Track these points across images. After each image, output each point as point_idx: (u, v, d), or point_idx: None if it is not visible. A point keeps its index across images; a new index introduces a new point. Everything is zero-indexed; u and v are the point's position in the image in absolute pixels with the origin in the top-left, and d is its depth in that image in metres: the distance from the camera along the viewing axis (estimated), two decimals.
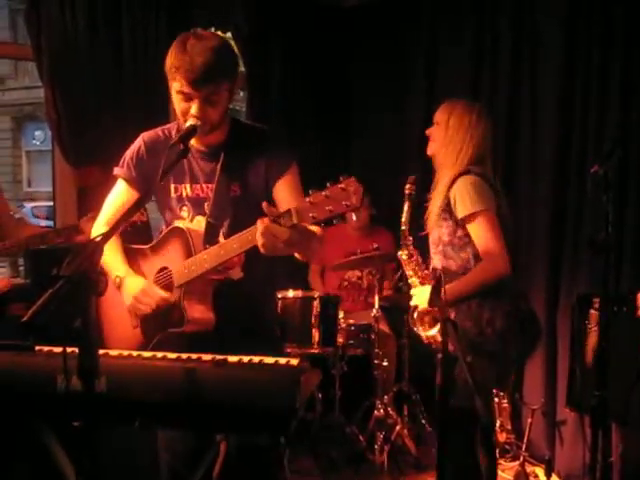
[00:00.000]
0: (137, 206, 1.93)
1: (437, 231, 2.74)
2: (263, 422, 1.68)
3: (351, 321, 4.04)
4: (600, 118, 3.55)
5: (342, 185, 1.73)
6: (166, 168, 2.01)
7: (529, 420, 3.71)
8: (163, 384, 1.74)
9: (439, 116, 2.81)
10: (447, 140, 2.73)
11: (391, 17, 4.66)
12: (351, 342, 4.00)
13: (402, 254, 2.90)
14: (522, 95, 3.95)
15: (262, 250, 1.88)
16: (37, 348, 1.92)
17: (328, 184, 1.75)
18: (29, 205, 15.06)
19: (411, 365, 4.08)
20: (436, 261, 2.77)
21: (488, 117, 2.80)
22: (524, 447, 3.66)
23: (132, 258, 2.32)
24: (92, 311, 1.49)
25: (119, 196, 2.35)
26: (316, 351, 3.69)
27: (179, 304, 2.15)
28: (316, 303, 3.68)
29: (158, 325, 2.21)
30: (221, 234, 2.22)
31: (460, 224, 2.64)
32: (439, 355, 2.60)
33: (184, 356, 1.86)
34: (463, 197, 2.61)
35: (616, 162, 2.07)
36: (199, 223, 2.24)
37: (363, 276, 4.44)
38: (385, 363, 3.92)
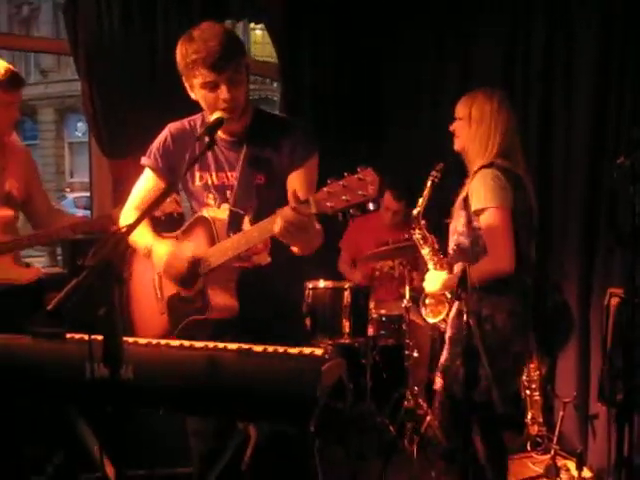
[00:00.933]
0: (164, 196, 1.97)
1: (455, 221, 2.74)
2: (284, 410, 1.71)
3: (382, 311, 4.05)
4: (634, 117, 3.48)
5: (359, 175, 1.75)
6: (191, 160, 2.05)
7: (561, 413, 3.68)
8: (188, 372, 1.78)
9: (460, 110, 2.79)
10: (472, 133, 2.71)
11: (424, 6, 4.61)
12: (382, 332, 4.01)
13: (416, 235, 2.92)
14: (555, 94, 3.89)
15: (280, 237, 1.92)
16: (68, 336, 1.98)
17: (345, 174, 1.78)
18: (71, 196, 15.34)
19: None
20: (453, 248, 2.78)
21: (509, 103, 2.76)
22: (555, 440, 3.64)
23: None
24: (116, 300, 1.52)
25: (146, 183, 2.41)
26: (347, 341, 3.70)
27: (203, 292, 2.20)
28: (347, 294, 3.69)
29: (184, 312, 2.26)
30: (246, 222, 2.26)
31: (474, 217, 2.63)
32: (447, 335, 2.66)
33: (211, 345, 1.89)
34: (478, 190, 2.60)
35: None
36: (225, 211, 2.28)
37: (395, 266, 4.42)
38: (415, 354, 3.91)
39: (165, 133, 2.42)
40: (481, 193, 2.60)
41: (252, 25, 12.14)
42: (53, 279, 3.73)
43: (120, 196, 4.05)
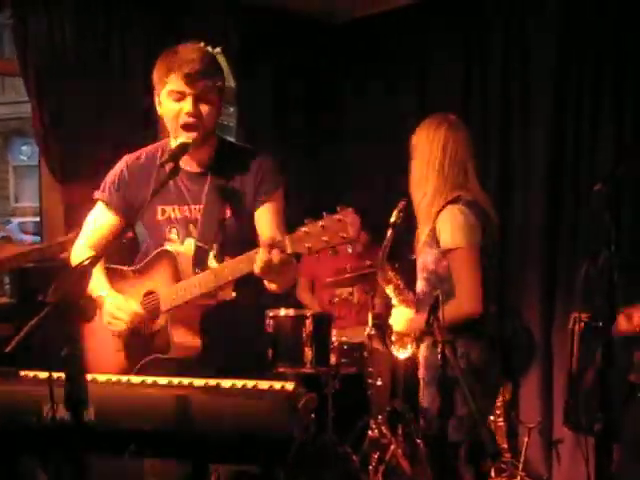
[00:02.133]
0: (124, 232, 1.89)
1: (423, 257, 2.63)
2: (259, 451, 1.62)
3: (344, 339, 3.98)
4: (594, 131, 3.54)
5: (339, 216, 1.69)
6: (156, 187, 1.96)
7: (525, 439, 3.65)
8: (154, 412, 1.68)
9: (411, 148, 2.67)
10: (423, 166, 2.59)
11: (382, 34, 4.62)
12: (344, 360, 3.93)
13: (380, 279, 2.83)
14: (514, 113, 3.93)
15: (261, 276, 1.89)
16: (22, 374, 1.85)
17: (324, 214, 1.71)
18: (16, 220, 14.91)
19: (405, 383, 4.02)
20: (422, 286, 2.66)
21: (461, 126, 2.65)
22: (521, 467, 3.61)
23: (114, 279, 2.26)
24: (80, 338, 1.42)
25: (99, 218, 2.31)
26: (309, 371, 3.61)
27: (165, 329, 2.10)
28: (308, 322, 3.61)
29: (143, 349, 2.15)
30: (211, 257, 2.16)
31: (444, 255, 2.53)
32: (420, 377, 2.59)
33: (175, 381, 1.80)
34: (446, 229, 2.50)
35: (620, 180, 2.04)
36: (189, 246, 2.18)
37: (354, 291, 4.38)
38: (379, 382, 3.85)
39: (121, 165, 2.31)
40: (449, 232, 2.49)
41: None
42: (1, 309, 3.57)
43: (72, 221, 3.93)
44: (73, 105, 3.84)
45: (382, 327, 4.09)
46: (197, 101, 2.09)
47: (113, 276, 2.26)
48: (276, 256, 1.78)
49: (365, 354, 3.86)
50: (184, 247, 2.18)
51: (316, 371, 3.64)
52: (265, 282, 2.07)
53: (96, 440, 1.61)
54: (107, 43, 3.95)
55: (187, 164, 2.20)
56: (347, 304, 4.40)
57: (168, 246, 2.18)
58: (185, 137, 2.10)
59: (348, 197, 2.05)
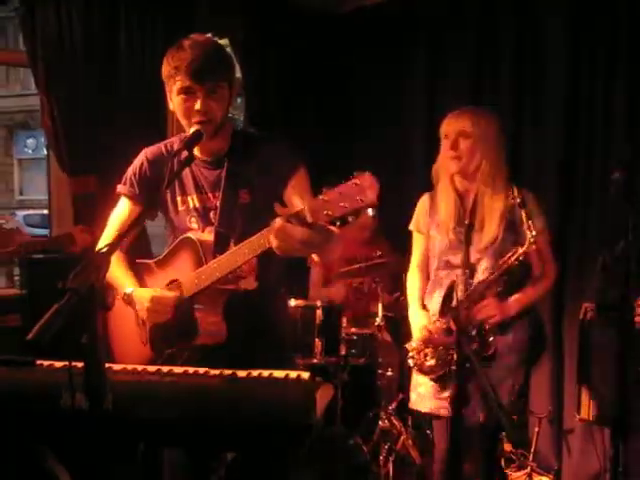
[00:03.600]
0: (140, 219, 1.88)
1: (499, 245, 2.72)
2: (277, 440, 1.62)
3: (353, 330, 3.97)
4: (606, 130, 3.53)
5: (356, 180, 1.66)
6: (171, 176, 1.95)
7: (536, 429, 3.65)
8: (172, 401, 1.67)
9: (468, 128, 2.73)
10: (494, 159, 2.74)
11: (388, 23, 4.59)
12: (353, 351, 3.93)
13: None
14: (524, 108, 3.90)
15: (277, 251, 1.83)
16: (37, 363, 1.86)
17: (343, 181, 1.68)
18: (21, 213, 14.94)
19: None
20: (487, 270, 2.75)
21: None
22: (531, 457, 3.60)
23: (138, 274, 2.27)
24: (99, 325, 1.42)
25: (123, 213, 2.31)
26: (319, 361, 3.62)
27: (191, 316, 2.10)
28: (319, 312, 3.62)
29: (168, 339, 2.15)
30: (232, 243, 2.14)
31: (529, 240, 2.59)
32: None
33: (191, 370, 1.80)
34: (538, 212, 2.72)
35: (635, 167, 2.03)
36: (210, 234, 2.18)
37: (364, 281, 4.36)
38: (389, 373, 3.85)
39: (141, 158, 2.32)
40: (539, 215, 2.72)
41: None
42: (11, 300, 3.58)
43: (80, 214, 3.93)
44: (82, 98, 3.83)
45: (392, 318, 4.11)
46: (207, 97, 2.08)
47: (137, 271, 2.27)
48: (295, 228, 1.74)
49: (375, 345, 3.86)
50: (205, 235, 2.18)
51: (326, 361, 3.65)
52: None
53: (113, 429, 1.61)
54: (116, 36, 3.93)
55: (203, 154, 2.23)
56: (357, 293, 4.39)
57: (190, 234, 2.18)
58: (197, 126, 2.09)
59: None
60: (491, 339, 2.70)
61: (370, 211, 1.65)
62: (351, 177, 1.66)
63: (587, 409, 3.06)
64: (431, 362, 2.74)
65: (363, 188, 1.64)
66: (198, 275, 2.08)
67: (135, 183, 2.29)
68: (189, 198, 2.24)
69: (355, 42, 4.78)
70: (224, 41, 4.70)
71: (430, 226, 2.96)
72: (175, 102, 2.13)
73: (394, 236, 4.32)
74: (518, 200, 2.60)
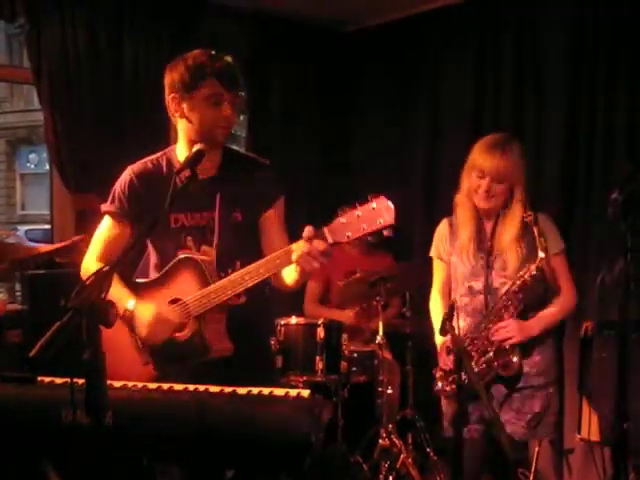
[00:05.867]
0: (144, 237, 1.90)
1: (521, 267, 2.76)
2: (277, 458, 1.62)
3: (353, 347, 3.97)
4: (607, 147, 3.55)
5: (372, 204, 1.79)
6: (173, 195, 1.95)
7: (536, 449, 3.62)
8: (172, 418, 1.68)
9: (500, 173, 2.76)
10: (516, 186, 2.80)
11: (392, 42, 4.64)
12: (354, 369, 3.93)
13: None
14: (525, 124, 3.92)
15: (300, 271, 1.96)
16: (39, 379, 1.86)
17: (357, 204, 1.81)
18: (23, 228, 14.95)
19: (415, 392, 4.01)
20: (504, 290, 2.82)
21: None
22: (532, 477, 3.57)
23: (134, 292, 2.24)
24: (101, 342, 1.42)
25: (109, 231, 2.30)
26: (320, 379, 3.61)
27: (198, 333, 2.11)
28: (320, 330, 3.61)
29: (174, 358, 2.15)
30: (236, 262, 2.19)
31: (547, 259, 2.67)
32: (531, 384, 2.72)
33: (191, 387, 1.81)
34: (554, 233, 2.81)
35: (636, 188, 2.05)
36: (206, 252, 2.20)
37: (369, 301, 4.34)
38: (389, 391, 3.84)
39: (128, 175, 2.29)
40: (556, 236, 2.82)
41: None
42: (12, 316, 3.58)
43: (82, 229, 3.93)
44: (86, 114, 3.86)
45: (393, 336, 4.10)
46: (232, 106, 2.13)
47: (133, 290, 2.24)
48: (320, 245, 1.85)
49: (375, 363, 3.85)
50: (201, 254, 2.19)
51: (327, 379, 3.63)
52: (284, 277, 2.15)
53: (114, 445, 1.62)
54: (120, 52, 3.96)
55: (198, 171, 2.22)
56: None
57: (188, 254, 2.19)
58: (200, 145, 2.09)
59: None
60: (515, 359, 2.74)
61: (385, 232, 1.79)
62: (367, 200, 1.80)
63: (588, 428, 3.05)
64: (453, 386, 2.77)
65: (380, 210, 1.79)
66: (207, 294, 2.09)
67: (124, 200, 2.26)
68: (182, 216, 2.23)
69: (359, 60, 4.83)
70: (228, 58, 4.76)
71: (451, 252, 2.99)
72: (199, 110, 2.14)
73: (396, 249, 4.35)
74: (531, 218, 2.66)
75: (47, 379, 1.86)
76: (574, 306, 2.92)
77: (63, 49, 3.78)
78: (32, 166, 17.57)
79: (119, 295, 2.15)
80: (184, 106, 2.17)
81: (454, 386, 2.73)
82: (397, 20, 4.56)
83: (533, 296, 2.77)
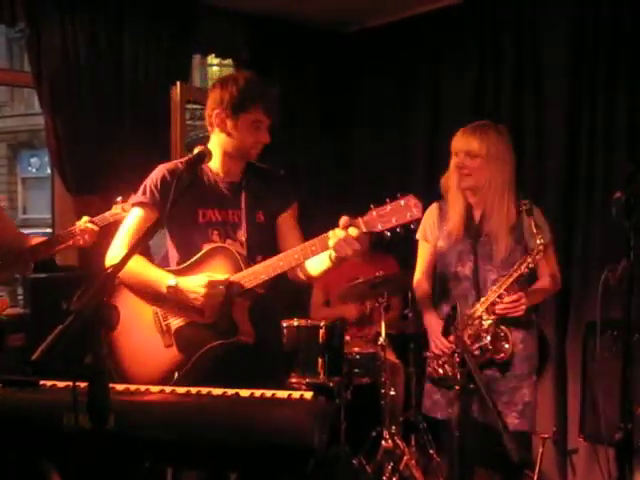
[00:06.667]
0: (153, 229, 1.96)
1: (509, 257, 2.84)
2: (280, 460, 1.61)
3: (356, 349, 3.96)
4: (608, 147, 3.54)
5: (402, 201, 2.03)
6: (178, 193, 2.09)
7: (540, 449, 3.62)
8: (174, 421, 1.67)
9: (476, 148, 2.84)
10: (505, 172, 2.85)
11: (392, 42, 4.64)
12: (357, 371, 3.92)
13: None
14: (525, 124, 3.92)
15: (334, 257, 2.15)
16: (41, 383, 1.86)
17: (387, 200, 2.05)
18: (25, 232, 14.95)
19: (418, 394, 4.00)
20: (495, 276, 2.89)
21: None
22: (535, 477, 3.57)
23: None
24: (103, 346, 1.42)
25: (139, 221, 2.39)
26: (322, 381, 3.60)
27: (227, 315, 2.24)
28: (322, 332, 3.60)
29: (199, 339, 2.25)
30: (256, 256, 2.35)
31: (539, 248, 2.75)
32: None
33: (193, 390, 1.80)
34: (544, 226, 2.86)
35: (639, 188, 2.05)
36: (240, 244, 2.37)
37: (367, 304, 4.34)
38: (392, 392, 3.83)
39: (161, 171, 2.42)
40: (547, 228, 2.90)
41: (209, 61, 12.17)
42: (14, 320, 3.57)
43: None
44: (87, 117, 3.86)
45: (396, 337, 4.10)
46: (268, 130, 2.38)
47: None
48: (354, 232, 2.05)
49: (378, 364, 3.84)
50: (233, 246, 2.35)
51: (329, 381, 3.63)
52: (308, 269, 2.35)
53: (117, 449, 1.61)
54: (120, 55, 3.97)
55: (225, 174, 2.44)
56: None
57: (219, 244, 2.35)
58: (200, 147, 2.27)
59: (363, 204, 2.15)
60: (507, 346, 2.82)
61: (413, 225, 2.04)
62: (397, 198, 2.05)
63: (591, 429, 3.05)
64: (441, 372, 2.86)
65: (409, 206, 2.03)
66: (240, 278, 2.24)
67: (156, 192, 2.37)
68: (210, 212, 2.39)
69: (359, 60, 4.83)
70: (228, 61, 4.76)
71: (439, 236, 2.99)
72: (243, 132, 2.34)
73: (398, 251, 4.35)
74: (526, 208, 2.73)
75: (49, 383, 1.86)
76: (559, 288, 3.09)
77: (63, 53, 3.78)
78: (33, 170, 17.57)
79: (157, 274, 2.29)
80: (228, 123, 2.34)
81: (441, 371, 2.85)
82: (397, 21, 4.56)
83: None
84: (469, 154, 2.84)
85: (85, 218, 3.03)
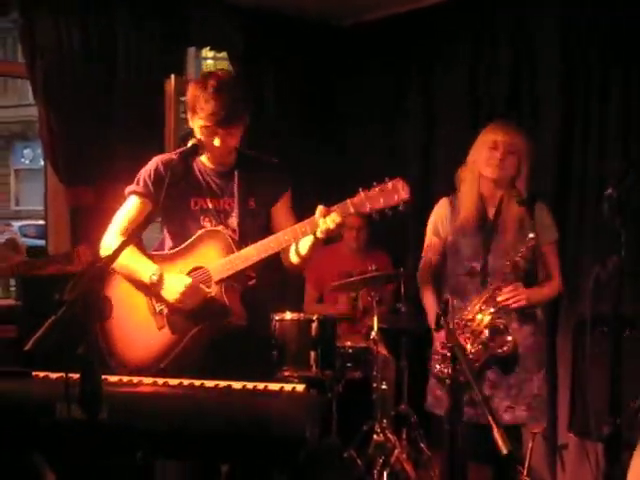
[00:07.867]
0: (149, 219, 1.98)
1: (514, 242, 2.86)
2: (271, 452, 1.62)
3: (348, 343, 3.98)
4: (601, 146, 3.57)
5: (390, 183, 2.09)
6: (171, 183, 2.17)
7: (530, 444, 3.64)
8: (167, 413, 1.68)
9: (513, 143, 2.87)
10: (527, 167, 2.89)
11: (388, 37, 4.63)
12: (348, 365, 3.93)
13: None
14: (522, 122, 3.92)
15: (321, 235, 2.20)
16: (34, 374, 1.86)
17: (375, 183, 2.11)
18: (17, 224, 14.91)
19: (409, 388, 4.02)
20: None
21: None
22: (525, 472, 3.59)
23: (156, 263, 2.41)
24: (95, 336, 1.42)
25: (133, 208, 2.45)
26: (314, 374, 3.61)
27: (219, 297, 2.30)
28: (314, 325, 3.61)
29: (192, 320, 2.30)
30: (247, 242, 2.38)
31: (543, 244, 2.85)
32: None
33: (186, 382, 1.81)
34: (551, 222, 2.97)
35: (630, 184, 2.07)
36: (232, 229, 2.42)
37: (358, 297, 4.36)
38: (384, 386, 3.85)
39: (155, 163, 2.48)
40: (552, 225, 2.98)
41: (204, 54, 12.13)
42: (7, 311, 3.58)
43: (76, 225, 3.94)
44: (80, 109, 3.85)
45: (388, 331, 4.12)
46: (225, 137, 2.37)
47: (153, 261, 2.41)
48: (336, 218, 2.13)
49: (370, 358, 3.85)
50: (226, 230, 2.40)
51: (321, 375, 3.64)
52: (290, 256, 2.40)
53: (109, 439, 1.62)
54: (114, 48, 3.95)
55: (216, 164, 2.49)
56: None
57: (213, 228, 2.41)
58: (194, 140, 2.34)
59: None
60: (509, 338, 2.82)
61: (401, 207, 2.08)
62: (385, 181, 2.10)
63: (580, 424, 3.07)
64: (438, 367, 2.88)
65: (397, 188, 2.09)
66: (231, 260, 2.30)
67: (150, 183, 2.44)
68: (202, 200, 2.46)
69: (354, 55, 4.82)
70: (223, 54, 4.75)
71: (450, 232, 3.02)
72: (195, 127, 2.37)
73: (393, 249, 4.37)
74: (518, 198, 2.79)
75: (42, 374, 1.86)
76: (558, 294, 3.10)
77: (57, 43, 3.77)
78: (27, 162, 17.54)
79: (141, 264, 2.34)
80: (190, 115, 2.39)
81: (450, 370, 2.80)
82: (393, 15, 4.55)
83: (524, 275, 2.89)
84: (510, 150, 2.86)
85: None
